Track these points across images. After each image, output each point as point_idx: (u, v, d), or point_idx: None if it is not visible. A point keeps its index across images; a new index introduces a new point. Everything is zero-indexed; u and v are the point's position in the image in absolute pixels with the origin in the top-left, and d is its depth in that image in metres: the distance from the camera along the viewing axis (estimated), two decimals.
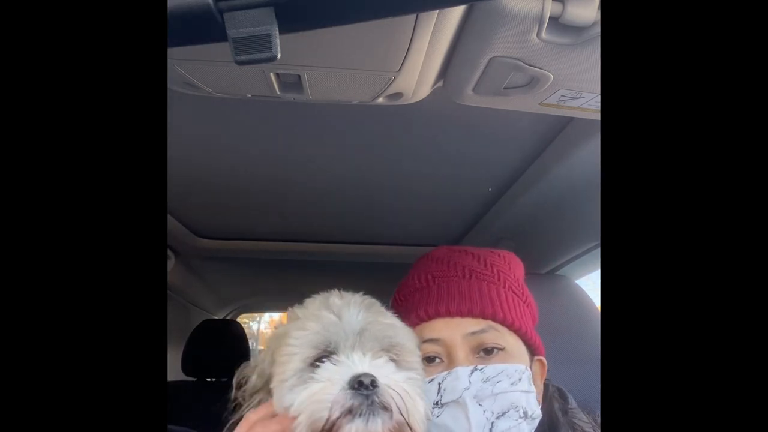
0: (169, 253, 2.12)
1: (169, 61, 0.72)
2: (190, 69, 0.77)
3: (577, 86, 0.80)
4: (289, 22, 0.46)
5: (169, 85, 0.81)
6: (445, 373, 0.87)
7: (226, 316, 3.67)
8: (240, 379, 0.86)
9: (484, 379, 0.86)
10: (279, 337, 0.82)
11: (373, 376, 0.73)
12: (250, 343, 2.67)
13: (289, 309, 0.88)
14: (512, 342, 0.92)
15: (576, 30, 0.68)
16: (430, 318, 0.93)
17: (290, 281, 2.80)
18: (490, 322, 0.91)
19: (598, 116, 0.89)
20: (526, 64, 0.75)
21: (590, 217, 1.50)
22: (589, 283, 1.85)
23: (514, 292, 0.98)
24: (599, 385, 0.47)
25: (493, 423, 0.84)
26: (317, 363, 0.76)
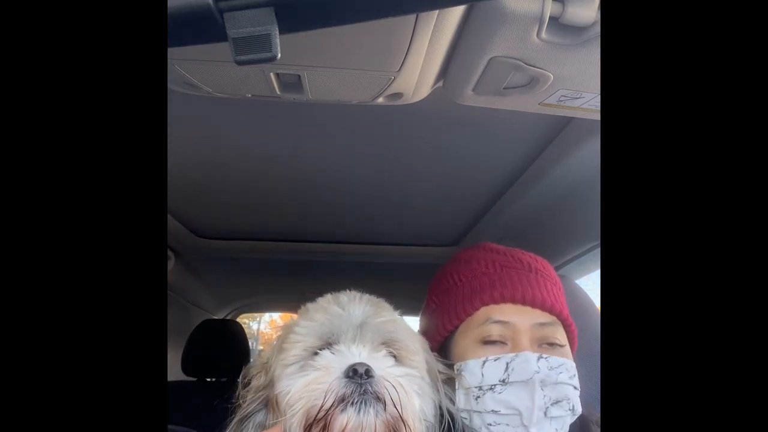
0: (169, 253, 2.12)
1: (169, 61, 0.72)
2: (190, 69, 0.77)
3: (577, 86, 0.80)
4: (289, 22, 0.46)
5: (169, 85, 0.81)
6: (513, 354, 0.92)
7: (226, 316, 3.67)
8: (246, 377, 0.88)
9: (550, 368, 0.90)
10: (287, 327, 0.85)
11: (367, 365, 0.74)
12: (250, 343, 2.67)
13: (302, 306, 0.91)
14: (565, 341, 0.98)
15: (576, 30, 0.68)
16: (503, 301, 0.97)
17: (290, 281, 2.80)
18: (555, 318, 0.98)
19: (598, 116, 0.89)
20: (526, 64, 0.75)
21: (590, 217, 1.50)
22: (589, 283, 1.85)
23: (564, 296, 1.04)
24: (599, 384, 0.47)
25: (548, 408, 0.89)
26: (318, 352, 0.79)
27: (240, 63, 0.47)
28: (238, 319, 3.81)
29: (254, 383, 0.85)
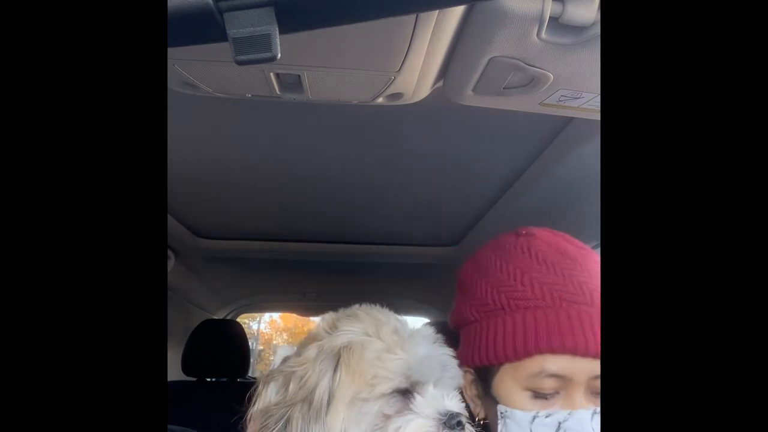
0: (169, 253, 2.12)
1: (169, 61, 0.72)
2: (190, 69, 0.77)
3: (577, 86, 0.80)
4: (289, 22, 0.46)
5: (169, 85, 0.81)
6: (566, 413, 0.83)
7: (226, 316, 3.67)
8: (260, 386, 0.79)
9: None
10: (351, 349, 0.75)
11: (464, 416, 0.74)
12: (250, 343, 2.67)
13: (328, 315, 0.84)
14: None
15: (576, 30, 0.68)
16: (564, 352, 0.83)
17: (290, 281, 2.80)
18: None
19: (598, 116, 0.89)
20: (526, 64, 0.75)
21: (590, 217, 1.50)
22: None
23: None
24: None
25: None
26: (405, 393, 0.74)
27: (240, 63, 0.47)
28: (238, 319, 3.81)
29: (274, 397, 0.76)
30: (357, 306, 0.84)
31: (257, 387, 0.78)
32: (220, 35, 0.45)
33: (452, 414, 0.73)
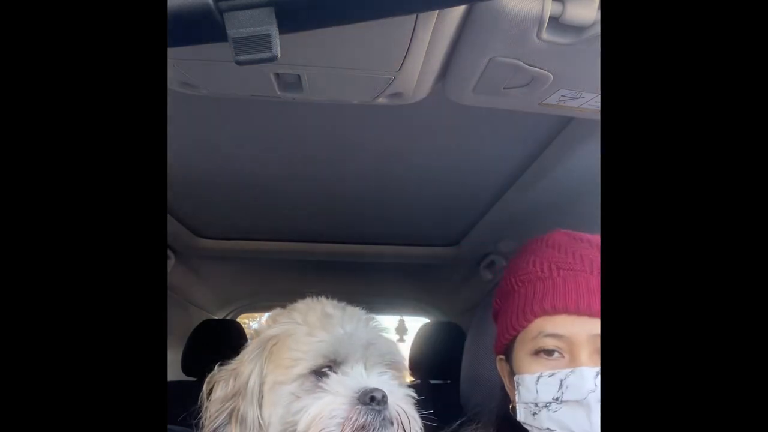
0: (169, 253, 2.12)
1: (169, 61, 0.72)
2: (190, 69, 0.77)
3: (577, 86, 0.80)
4: (289, 22, 0.46)
5: (169, 85, 0.81)
6: (569, 370, 0.86)
7: (226, 316, 3.66)
8: (211, 384, 0.82)
9: None
10: (277, 339, 0.79)
11: (383, 391, 0.72)
12: None
13: (274, 311, 0.87)
14: None
15: (576, 30, 0.68)
16: (556, 312, 0.90)
17: (290, 281, 2.80)
18: None
19: (598, 116, 0.89)
20: (526, 64, 0.75)
21: (590, 217, 1.50)
22: None
23: None
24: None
25: None
26: (322, 373, 0.75)
27: (240, 63, 0.47)
28: (238, 319, 3.81)
29: (219, 393, 0.79)
30: (308, 299, 0.86)
31: (204, 389, 0.81)
32: (220, 35, 0.46)
33: (366, 390, 0.72)
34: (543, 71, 0.76)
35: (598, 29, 0.67)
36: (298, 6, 0.46)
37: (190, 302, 3.04)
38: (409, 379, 0.85)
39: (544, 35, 0.68)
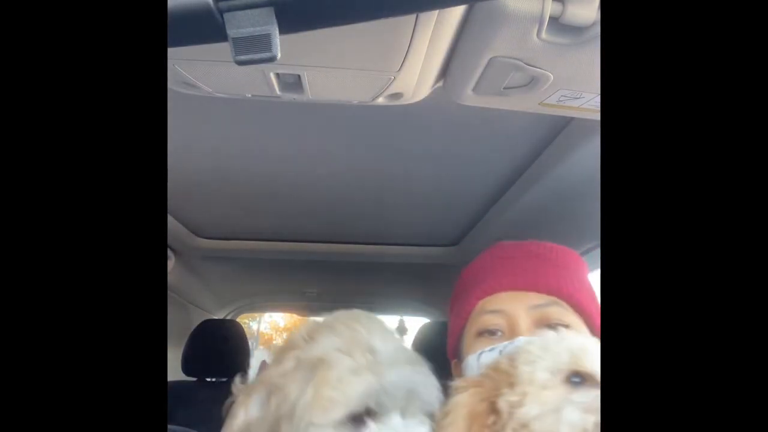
0: (169, 253, 2.12)
1: (169, 61, 0.72)
2: (190, 69, 0.77)
3: (577, 86, 0.80)
4: (289, 22, 0.46)
5: (169, 85, 0.81)
6: (507, 342, 0.87)
7: (226, 316, 3.67)
8: (243, 400, 0.73)
9: None
10: (322, 364, 0.70)
11: None
12: (250, 343, 2.67)
13: (307, 323, 0.79)
14: (576, 322, 0.91)
15: (576, 30, 0.68)
16: (494, 291, 0.93)
17: (290, 281, 2.80)
18: (555, 298, 0.91)
19: (598, 116, 0.89)
20: (526, 64, 0.75)
21: (590, 217, 1.50)
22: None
23: (578, 278, 0.97)
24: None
25: None
26: (359, 419, 0.68)
27: (240, 63, 0.47)
28: (238, 319, 3.81)
29: (255, 412, 0.71)
30: (342, 312, 0.79)
31: (237, 399, 0.74)
32: (220, 35, 0.45)
33: None
34: (543, 71, 0.76)
35: (598, 29, 0.67)
36: (298, 6, 0.46)
37: (190, 302, 3.05)
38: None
39: (544, 35, 0.68)
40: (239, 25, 0.45)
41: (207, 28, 0.45)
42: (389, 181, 1.51)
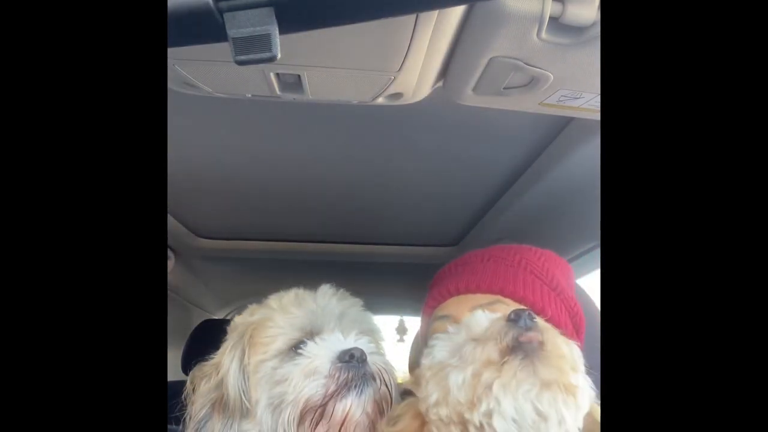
0: (169, 253, 2.12)
1: (169, 61, 0.72)
2: (190, 69, 0.77)
3: (577, 86, 0.80)
4: (289, 22, 0.46)
5: (169, 85, 0.81)
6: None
7: (226, 316, 3.66)
8: (193, 382, 0.85)
9: None
10: (255, 325, 0.82)
11: (361, 349, 0.76)
12: None
13: (250, 307, 0.91)
14: None
15: (576, 30, 0.68)
16: (443, 298, 0.97)
17: (290, 281, 2.80)
18: (499, 297, 0.93)
19: (598, 116, 0.89)
20: (526, 64, 0.75)
21: (590, 217, 1.50)
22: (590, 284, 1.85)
23: (535, 275, 0.98)
24: (599, 383, 0.47)
25: None
26: (300, 345, 0.78)
27: (240, 63, 0.47)
28: None
29: (203, 387, 0.82)
30: (281, 291, 0.91)
31: (188, 387, 0.84)
32: (220, 35, 0.45)
33: (344, 350, 0.74)
34: (543, 71, 0.76)
35: (598, 29, 0.67)
36: (298, 6, 0.46)
37: (190, 302, 3.05)
38: (384, 346, 0.91)
39: (544, 35, 0.68)
40: (239, 25, 0.45)
41: (207, 28, 0.45)
42: (389, 181, 1.51)
